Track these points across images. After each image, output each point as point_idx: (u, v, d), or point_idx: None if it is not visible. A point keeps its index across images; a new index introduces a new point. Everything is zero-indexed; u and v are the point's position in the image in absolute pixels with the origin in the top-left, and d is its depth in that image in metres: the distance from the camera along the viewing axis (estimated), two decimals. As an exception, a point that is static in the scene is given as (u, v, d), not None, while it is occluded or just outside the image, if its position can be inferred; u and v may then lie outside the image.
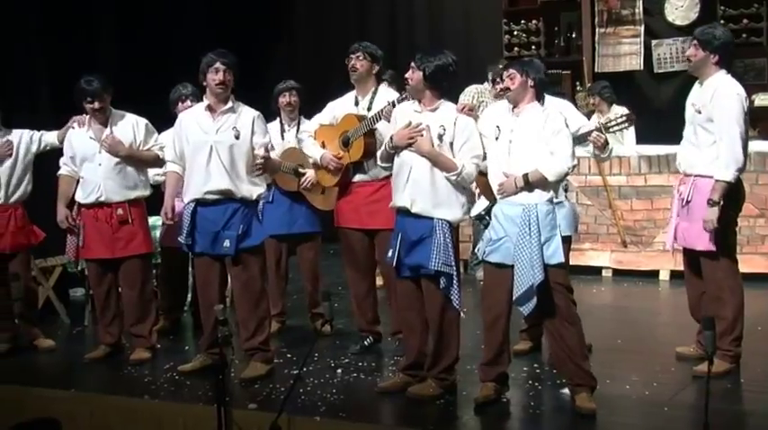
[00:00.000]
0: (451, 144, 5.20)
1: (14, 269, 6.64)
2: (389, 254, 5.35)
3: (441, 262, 5.14)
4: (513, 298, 4.99)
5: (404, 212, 5.28)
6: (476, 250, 8.60)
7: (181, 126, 5.90)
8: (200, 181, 5.74)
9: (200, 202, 5.78)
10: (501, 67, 7.40)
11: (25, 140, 6.65)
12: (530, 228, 4.91)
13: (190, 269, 7.31)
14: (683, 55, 5.27)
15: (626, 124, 5.84)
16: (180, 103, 6.92)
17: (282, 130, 6.93)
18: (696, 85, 5.61)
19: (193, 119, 5.84)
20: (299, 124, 6.86)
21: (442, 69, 5.23)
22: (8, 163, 6.57)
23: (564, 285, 5.01)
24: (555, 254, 4.94)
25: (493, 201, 5.28)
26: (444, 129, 5.21)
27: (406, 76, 5.31)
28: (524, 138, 4.99)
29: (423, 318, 5.37)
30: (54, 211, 6.45)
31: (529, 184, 4.94)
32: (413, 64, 5.27)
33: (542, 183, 4.95)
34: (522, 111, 5.06)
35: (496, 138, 5.10)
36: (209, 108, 5.79)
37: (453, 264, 5.20)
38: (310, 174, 6.60)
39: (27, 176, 6.67)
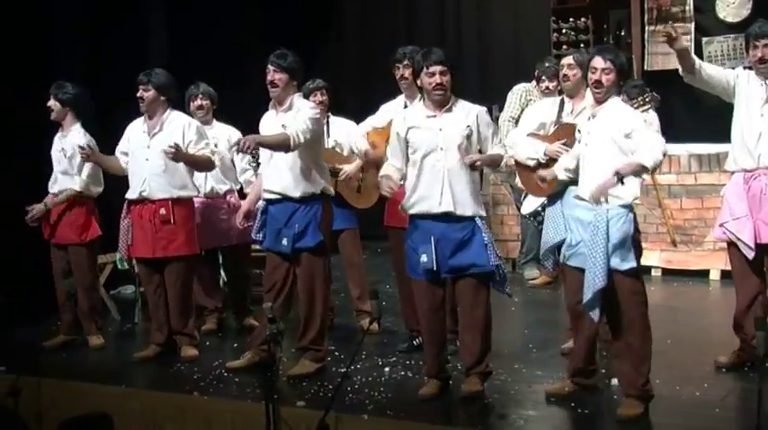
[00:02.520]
0: (478, 137, 5.23)
1: (72, 264, 6.72)
2: (424, 258, 5.20)
3: (496, 256, 5.20)
4: (583, 302, 4.90)
5: (438, 217, 5.20)
6: (523, 250, 8.68)
7: (261, 123, 6.01)
8: (263, 180, 5.87)
9: (269, 201, 5.87)
10: (547, 65, 7.39)
11: (84, 141, 6.69)
12: (598, 234, 4.80)
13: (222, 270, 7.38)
14: (742, 54, 5.21)
15: (649, 105, 5.80)
16: (191, 102, 7.00)
17: None
18: (756, 77, 5.55)
19: (265, 118, 5.94)
20: (328, 124, 6.83)
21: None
22: (62, 163, 6.67)
23: (633, 293, 4.88)
24: (626, 259, 4.82)
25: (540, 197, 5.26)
26: (471, 129, 5.21)
27: (438, 82, 5.14)
28: (599, 141, 4.87)
29: (444, 320, 5.43)
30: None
31: (621, 177, 4.69)
32: (437, 69, 5.11)
33: (637, 172, 4.76)
34: (599, 113, 4.92)
35: (579, 142, 5.01)
36: (274, 106, 5.89)
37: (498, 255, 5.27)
38: (347, 168, 6.69)
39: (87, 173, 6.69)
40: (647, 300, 4.96)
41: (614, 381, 5.32)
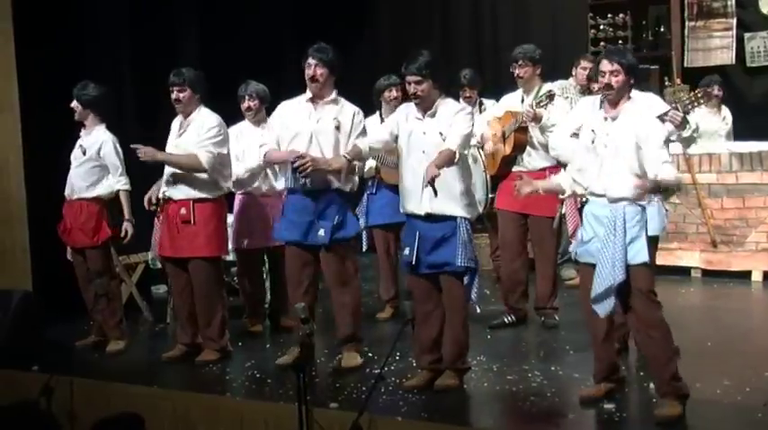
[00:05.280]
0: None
1: (90, 265, 6.70)
2: (406, 251, 5.43)
3: (467, 258, 5.26)
4: (591, 297, 4.87)
5: (421, 216, 5.35)
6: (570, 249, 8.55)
7: (281, 114, 6.02)
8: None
9: (293, 191, 5.88)
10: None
11: (99, 142, 6.63)
12: (615, 228, 4.79)
13: (264, 269, 7.33)
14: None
15: (701, 100, 5.70)
16: (241, 104, 6.97)
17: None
18: None
19: (295, 107, 5.95)
20: None
21: (435, 63, 5.32)
22: (79, 161, 6.63)
23: (644, 289, 4.85)
24: (639, 253, 4.80)
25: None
26: (442, 134, 5.27)
27: (414, 92, 5.29)
28: (619, 144, 4.84)
29: (441, 311, 5.45)
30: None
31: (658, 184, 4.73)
32: (412, 78, 5.27)
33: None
34: (619, 114, 4.90)
35: (592, 142, 4.96)
36: (312, 99, 5.90)
37: (476, 258, 5.35)
38: None
39: (99, 176, 6.63)
40: (655, 292, 4.91)
41: (653, 385, 5.21)
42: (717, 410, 5.01)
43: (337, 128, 5.84)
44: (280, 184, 6.53)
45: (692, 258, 8.51)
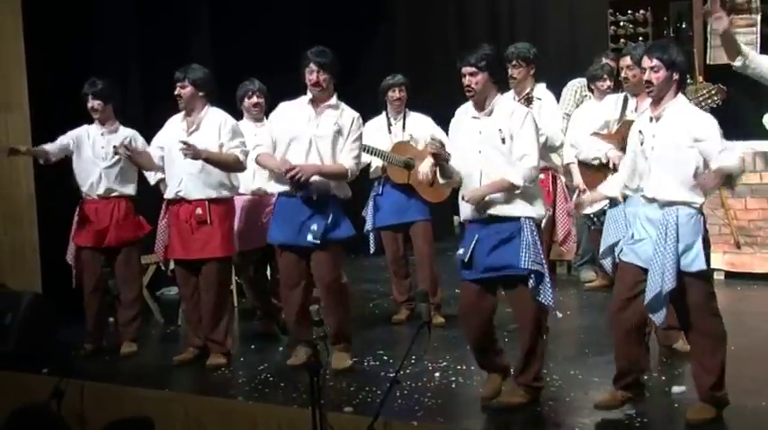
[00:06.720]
0: (512, 137, 4.98)
1: (118, 266, 6.62)
2: (461, 251, 5.08)
3: (531, 260, 4.92)
4: (644, 303, 4.71)
5: (481, 220, 5.04)
6: (579, 252, 8.46)
7: (281, 116, 5.92)
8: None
9: (288, 193, 5.79)
10: (604, 61, 7.23)
11: (128, 138, 6.59)
12: (666, 234, 4.61)
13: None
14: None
15: (716, 97, 5.58)
16: (246, 99, 6.91)
17: (389, 124, 7.08)
18: None
19: (295, 110, 5.85)
20: (404, 118, 7.03)
21: (497, 59, 5.14)
22: (111, 159, 6.53)
23: (703, 301, 4.69)
24: (696, 260, 4.62)
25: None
26: (501, 131, 4.99)
27: (468, 85, 5.00)
28: (666, 145, 4.67)
29: (483, 321, 5.12)
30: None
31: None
32: (466, 69, 4.99)
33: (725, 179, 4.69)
34: (662, 114, 4.71)
35: (641, 143, 4.77)
36: (313, 102, 5.82)
37: (543, 261, 4.98)
38: (422, 169, 6.58)
39: (129, 173, 6.62)
40: (716, 301, 4.77)
41: (675, 389, 5.17)
42: (741, 414, 4.91)
43: (338, 132, 5.76)
44: (270, 186, 6.37)
45: (714, 260, 8.27)
